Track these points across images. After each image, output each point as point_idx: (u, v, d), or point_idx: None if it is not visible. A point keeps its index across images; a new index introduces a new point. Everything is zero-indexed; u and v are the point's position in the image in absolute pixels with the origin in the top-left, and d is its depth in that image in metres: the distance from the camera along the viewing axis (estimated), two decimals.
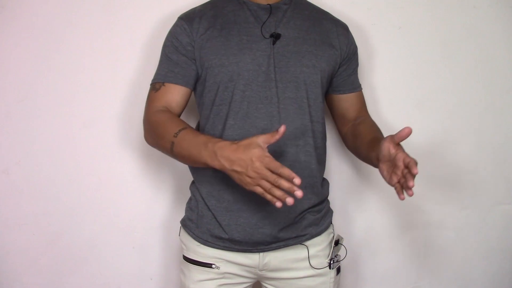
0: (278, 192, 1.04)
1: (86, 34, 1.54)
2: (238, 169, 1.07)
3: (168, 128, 1.21)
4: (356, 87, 1.40)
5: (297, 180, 1.02)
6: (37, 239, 1.59)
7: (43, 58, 1.53)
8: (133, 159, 1.60)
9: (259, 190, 1.07)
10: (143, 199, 1.63)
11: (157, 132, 1.24)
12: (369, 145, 1.26)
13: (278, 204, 1.05)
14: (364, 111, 1.43)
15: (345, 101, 1.40)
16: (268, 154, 1.06)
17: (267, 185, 1.05)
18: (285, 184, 1.03)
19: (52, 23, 1.52)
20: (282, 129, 1.06)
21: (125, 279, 1.66)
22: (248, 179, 1.07)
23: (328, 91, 1.40)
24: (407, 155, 1.11)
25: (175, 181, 1.63)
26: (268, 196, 1.06)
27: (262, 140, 1.07)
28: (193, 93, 1.33)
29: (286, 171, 1.03)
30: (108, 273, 1.64)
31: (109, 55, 1.55)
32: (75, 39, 1.53)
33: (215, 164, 1.11)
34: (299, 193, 1.02)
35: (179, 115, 1.29)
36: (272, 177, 1.04)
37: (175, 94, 1.27)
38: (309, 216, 1.30)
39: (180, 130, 1.18)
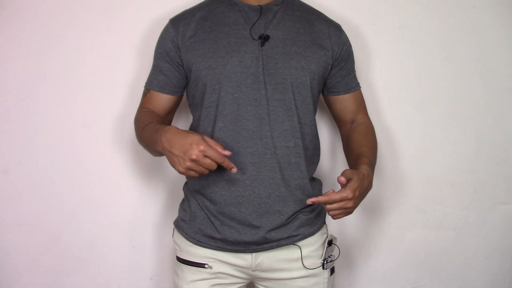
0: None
1: (86, 34, 1.54)
2: (175, 151, 1.11)
3: (141, 123, 1.28)
4: (351, 87, 1.39)
5: (234, 170, 1.15)
6: (37, 239, 1.60)
7: (43, 58, 1.53)
8: (133, 159, 1.60)
9: (192, 174, 1.12)
10: (143, 199, 1.63)
11: (135, 128, 1.32)
12: (353, 162, 1.30)
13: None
14: (362, 113, 1.42)
15: (340, 102, 1.39)
16: (207, 142, 1.11)
17: (202, 170, 1.12)
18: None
19: (52, 23, 1.52)
20: (227, 153, 1.13)
21: (125, 279, 1.66)
22: (186, 164, 1.10)
23: (324, 92, 1.40)
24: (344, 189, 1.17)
25: (174, 180, 1.63)
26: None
27: (208, 138, 1.13)
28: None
29: (226, 162, 1.13)
30: (108, 273, 1.65)
31: (109, 55, 1.55)
32: (75, 39, 1.54)
33: (159, 147, 1.16)
34: (234, 169, 1.15)
35: (166, 119, 1.36)
36: (211, 165, 1.11)
37: (158, 101, 1.34)
38: (302, 216, 1.30)
39: (147, 124, 1.25)
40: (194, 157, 1.09)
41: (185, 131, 1.14)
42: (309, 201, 1.16)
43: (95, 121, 1.57)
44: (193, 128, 1.34)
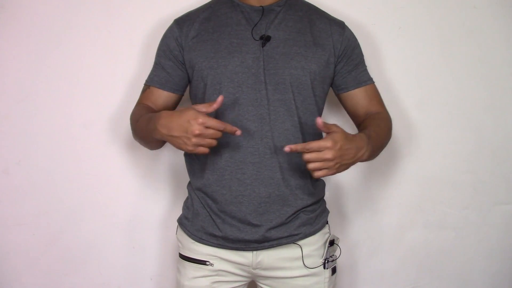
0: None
1: (86, 34, 1.54)
2: (176, 133, 1.11)
3: (136, 117, 1.29)
4: (360, 82, 1.36)
5: (238, 132, 1.12)
6: (37, 239, 1.60)
7: (43, 58, 1.53)
8: (133, 159, 1.61)
9: (201, 150, 1.11)
10: (143, 199, 1.63)
11: (130, 123, 1.32)
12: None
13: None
14: (376, 106, 1.37)
15: (351, 98, 1.37)
16: (203, 114, 1.09)
17: (210, 142, 1.11)
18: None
19: (52, 23, 1.52)
20: (219, 99, 1.12)
21: (125, 279, 1.66)
22: (192, 141, 1.09)
23: (335, 91, 1.39)
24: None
25: (174, 181, 1.63)
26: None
27: (199, 107, 1.12)
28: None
29: (229, 127, 1.11)
30: (108, 273, 1.65)
31: (109, 55, 1.55)
32: (74, 40, 1.54)
33: (157, 135, 1.16)
34: (238, 132, 1.12)
35: None
36: (216, 134, 1.10)
37: (157, 97, 1.34)
38: (303, 216, 1.30)
39: (141, 117, 1.26)
40: (197, 132, 1.08)
41: (176, 111, 1.14)
42: (287, 147, 1.10)
43: (95, 121, 1.57)
44: None
